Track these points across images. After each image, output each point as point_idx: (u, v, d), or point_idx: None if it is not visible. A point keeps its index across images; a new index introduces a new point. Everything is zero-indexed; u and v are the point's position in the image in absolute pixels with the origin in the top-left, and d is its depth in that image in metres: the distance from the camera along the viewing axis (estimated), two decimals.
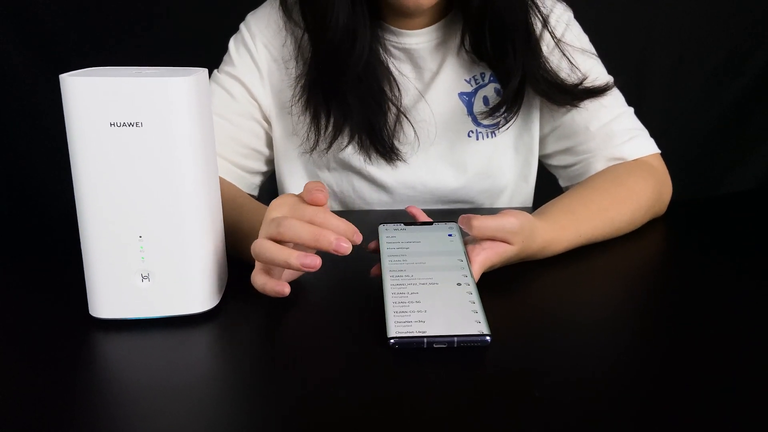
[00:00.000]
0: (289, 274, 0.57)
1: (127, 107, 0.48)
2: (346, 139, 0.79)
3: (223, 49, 0.82)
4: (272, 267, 0.53)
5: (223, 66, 0.82)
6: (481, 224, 0.56)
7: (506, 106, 0.78)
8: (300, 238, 0.49)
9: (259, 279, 0.52)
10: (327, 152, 0.80)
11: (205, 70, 0.54)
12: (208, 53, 0.84)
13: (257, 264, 0.53)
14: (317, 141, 0.79)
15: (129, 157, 0.48)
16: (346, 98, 0.76)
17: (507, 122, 0.80)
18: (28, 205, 1.45)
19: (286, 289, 0.50)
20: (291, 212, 0.52)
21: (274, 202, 0.54)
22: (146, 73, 0.50)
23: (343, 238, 0.49)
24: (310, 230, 0.49)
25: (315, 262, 0.49)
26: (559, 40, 0.79)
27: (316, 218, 0.51)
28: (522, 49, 0.75)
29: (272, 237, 0.51)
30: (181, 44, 1.30)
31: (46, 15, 1.32)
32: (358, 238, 0.50)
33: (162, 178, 0.49)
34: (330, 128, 0.78)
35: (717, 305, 0.55)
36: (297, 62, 0.79)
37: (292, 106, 0.79)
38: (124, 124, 0.48)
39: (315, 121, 0.78)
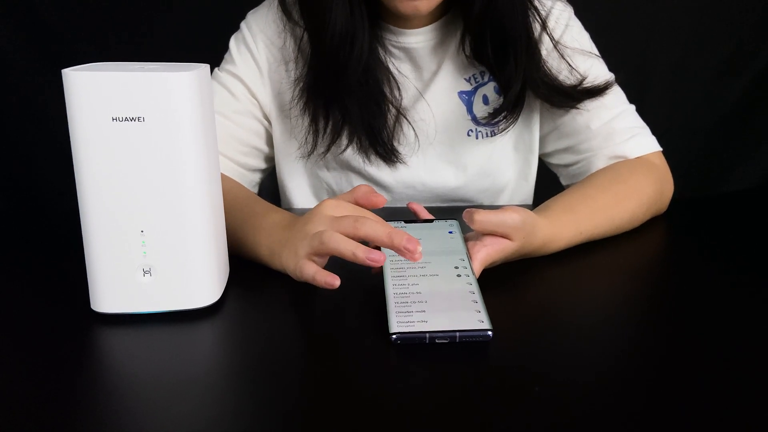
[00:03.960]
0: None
1: (129, 102, 0.48)
2: (344, 142, 0.79)
3: (225, 47, 0.82)
4: (317, 259, 0.54)
5: (223, 64, 0.82)
6: (483, 219, 0.56)
7: (506, 111, 0.78)
8: (375, 235, 0.51)
9: (310, 268, 0.53)
10: (324, 156, 0.80)
11: (207, 66, 0.55)
12: (210, 51, 0.84)
13: (304, 255, 0.53)
14: (315, 144, 0.79)
15: (131, 152, 0.49)
16: (345, 101, 0.76)
17: (507, 127, 0.80)
18: (30, 201, 1.45)
19: (336, 282, 0.51)
20: (352, 212, 0.55)
21: (324, 205, 0.56)
22: (148, 68, 0.50)
23: (415, 240, 0.50)
24: (386, 229, 0.51)
25: (381, 257, 0.50)
26: (557, 43, 0.79)
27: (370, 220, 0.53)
28: (523, 55, 0.75)
29: (345, 233, 0.52)
30: (183, 42, 1.31)
31: (49, 12, 1.33)
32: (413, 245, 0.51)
33: (164, 172, 0.49)
34: (328, 131, 0.78)
35: (718, 304, 0.55)
36: (297, 63, 0.79)
37: (290, 108, 0.79)
38: (126, 119, 0.48)
39: (313, 124, 0.78)
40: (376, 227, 0.52)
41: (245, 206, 0.66)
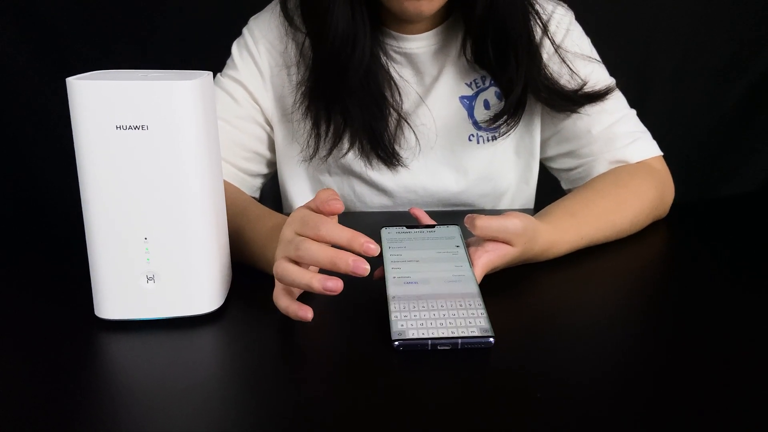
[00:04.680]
0: None
1: (133, 110, 0.48)
2: (346, 146, 0.79)
3: (228, 52, 0.83)
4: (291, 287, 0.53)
5: (226, 70, 0.82)
6: (484, 224, 0.56)
7: (508, 114, 0.79)
8: (318, 263, 0.49)
9: (282, 301, 0.51)
10: (326, 159, 0.81)
11: (210, 74, 0.55)
12: (213, 56, 0.84)
13: (278, 284, 0.52)
14: (317, 148, 0.79)
15: (135, 160, 0.49)
16: (347, 104, 0.76)
17: (508, 130, 0.81)
18: (34, 207, 1.45)
19: (309, 315, 0.50)
20: (300, 228, 0.51)
21: (288, 220, 0.53)
22: (152, 76, 0.50)
23: (361, 259, 0.48)
24: (327, 254, 0.49)
25: (337, 285, 0.48)
26: (558, 47, 0.79)
27: (320, 231, 0.50)
28: (524, 58, 0.75)
29: (291, 259, 0.51)
30: (186, 47, 1.31)
31: (53, 18, 1.33)
32: (369, 248, 0.49)
33: (167, 180, 0.50)
34: (330, 135, 0.78)
35: (718, 308, 0.56)
36: (299, 67, 0.79)
37: (292, 112, 0.80)
38: (130, 127, 0.48)
39: (315, 127, 0.78)
40: (317, 254, 0.49)
41: (243, 213, 0.66)
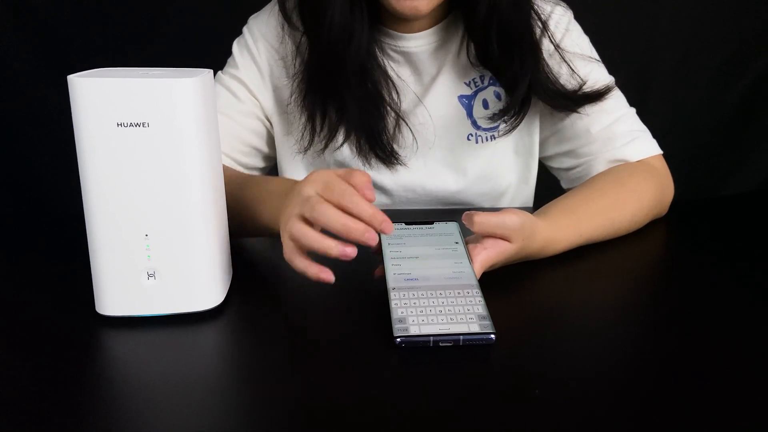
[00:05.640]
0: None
1: (134, 108, 0.48)
2: (340, 139, 0.79)
3: (228, 52, 0.83)
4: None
5: (227, 68, 0.83)
6: (482, 220, 0.56)
7: (512, 112, 0.79)
8: (330, 227, 0.50)
9: (299, 262, 0.51)
10: (323, 152, 0.81)
11: (210, 71, 0.55)
12: (213, 55, 0.85)
13: (289, 243, 0.52)
14: (312, 140, 0.79)
15: (135, 157, 0.49)
16: (344, 99, 0.76)
17: (510, 129, 0.81)
18: (35, 204, 1.45)
19: (332, 277, 0.50)
20: (323, 190, 0.52)
21: (309, 177, 0.53)
22: (153, 74, 0.50)
23: (371, 230, 0.49)
24: (342, 221, 0.49)
25: (354, 251, 0.49)
26: (558, 46, 0.79)
27: (344, 200, 0.50)
28: (528, 56, 0.75)
29: (305, 218, 0.51)
30: (187, 47, 1.31)
31: (53, 18, 1.33)
32: (387, 227, 0.50)
33: (168, 177, 0.50)
34: (325, 128, 0.78)
35: (718, 307, 0.56)
36: (296, 64, 0.79)
37: (288, 105, 0.80)
38: (131, 125, 0.48)
39: (311, 120, 0.79)
40: (332, 218, 0.49)
41: (244, 180, 0.67)
